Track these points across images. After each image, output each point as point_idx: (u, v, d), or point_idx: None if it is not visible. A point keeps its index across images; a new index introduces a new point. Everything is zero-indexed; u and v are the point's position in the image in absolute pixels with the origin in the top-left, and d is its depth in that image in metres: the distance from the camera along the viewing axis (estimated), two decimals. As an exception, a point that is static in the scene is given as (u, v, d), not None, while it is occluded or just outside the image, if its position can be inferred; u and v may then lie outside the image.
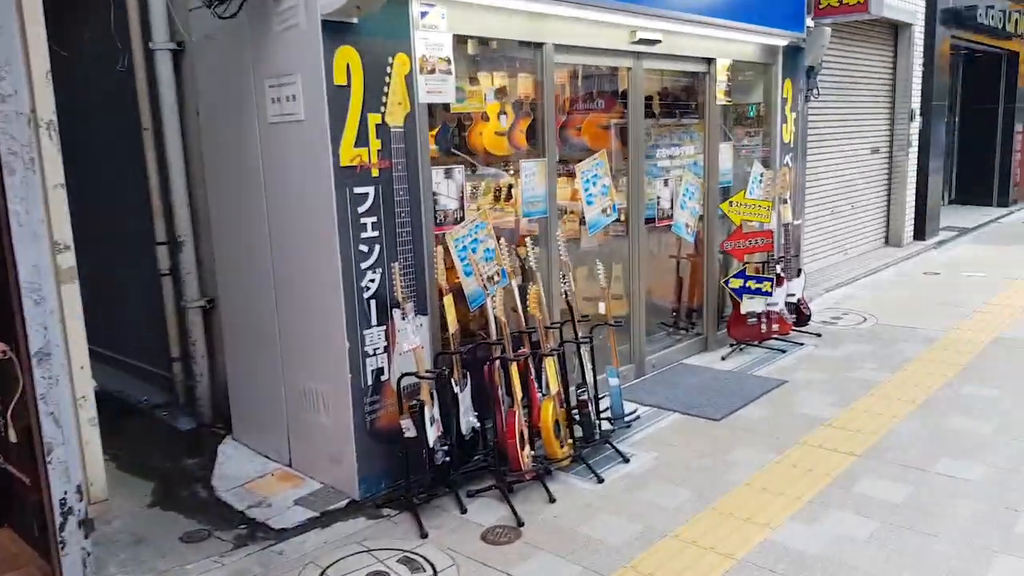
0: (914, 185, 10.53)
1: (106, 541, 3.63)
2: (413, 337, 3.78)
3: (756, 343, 6.36)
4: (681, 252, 6.55)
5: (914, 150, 10.36)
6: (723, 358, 6.18)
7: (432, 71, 4.06)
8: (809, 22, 6.81)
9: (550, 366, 4.09)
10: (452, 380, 3.97)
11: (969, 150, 14.99)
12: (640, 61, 5.41)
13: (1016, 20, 12.48)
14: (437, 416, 3.89)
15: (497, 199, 6.26)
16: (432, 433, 3.79)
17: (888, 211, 10.47)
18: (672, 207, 5.95)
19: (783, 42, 6.56)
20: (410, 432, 3.75)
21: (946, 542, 3.42)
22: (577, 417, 4.31)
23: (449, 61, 4.12)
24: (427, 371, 3.86)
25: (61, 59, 5.66)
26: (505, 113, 6.56)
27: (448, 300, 3.94)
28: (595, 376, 4.50)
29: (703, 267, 6.41)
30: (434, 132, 5.93)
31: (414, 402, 3.79)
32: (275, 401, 4.32)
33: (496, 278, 4.38)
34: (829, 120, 8.82)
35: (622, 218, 5.56)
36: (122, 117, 5.00)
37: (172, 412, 5.09)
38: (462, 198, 4.34)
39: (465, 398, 4.04)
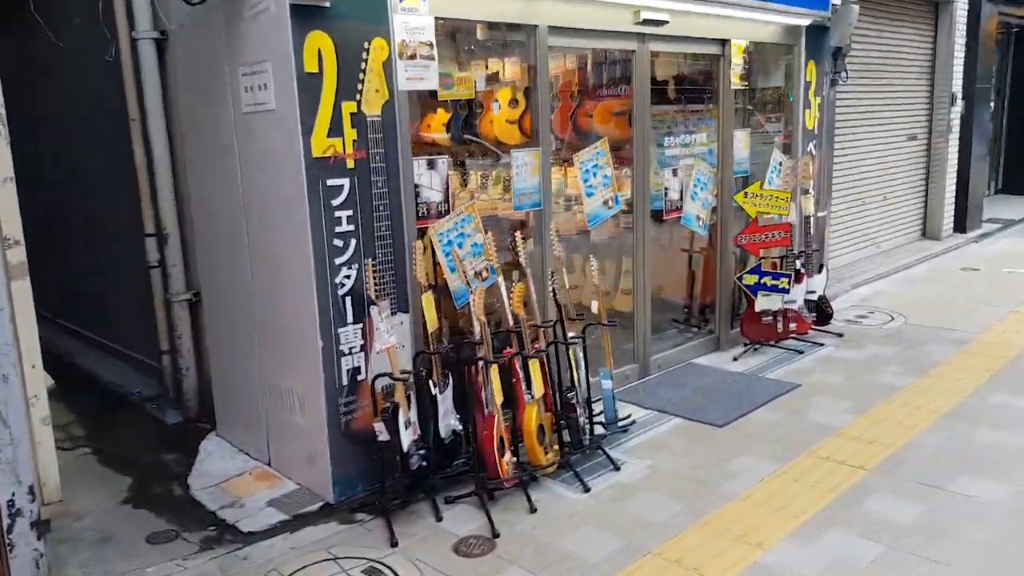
0: (955, 174, 10.01)
1: (72, 539, 3.55)
2: (387, 336, 3.60)
3: (772, 343, 6.06)
4: (694, 246, 6.27)
5: (955, 136, 9.83)
6: (735, 359, 5.90)
7: (413, 56, 3.86)
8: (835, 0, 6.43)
9: (535, 368, 3.88)
10: (430, 381, 3.79)
11: (1019, 136, 14.27)
12: (645, 44, 5.14)
13: (1073, -3, 11.75)
14: (414, 419, 3.72)
15: (507, 189, 6.07)
16: (407, 437, 3.62)
17: (926, 202, 9.97)
18: (682, 198, 5.67)
19: (805, 21, 6.20)
20: (382, 436, 3.59)
21: (956, 572, 3.14)
22: (564, 422, 4.10)
23: (431, 46, 3.91)
24: (402, 372, 3.69)
25: (55, 49, 5.65)
26: (516, 101, 6.36)
27: (427, 297, 3.76)
28: (588, 378, 4.28)
29: (716, 262, 6.12)
30: (445, 120, 5.87)
31: (387, 404, 3.62)
32: (255, 398, 4.20)
33: (485, 274, 4.19)
34: (861, 105, 8.39)
35: (626, 210, 5.31)
36: (112, 107, 4.90)
37: (161, 406, 5.02)
38: (447, 190, 4.14)
39: (445, 400, 3.86)
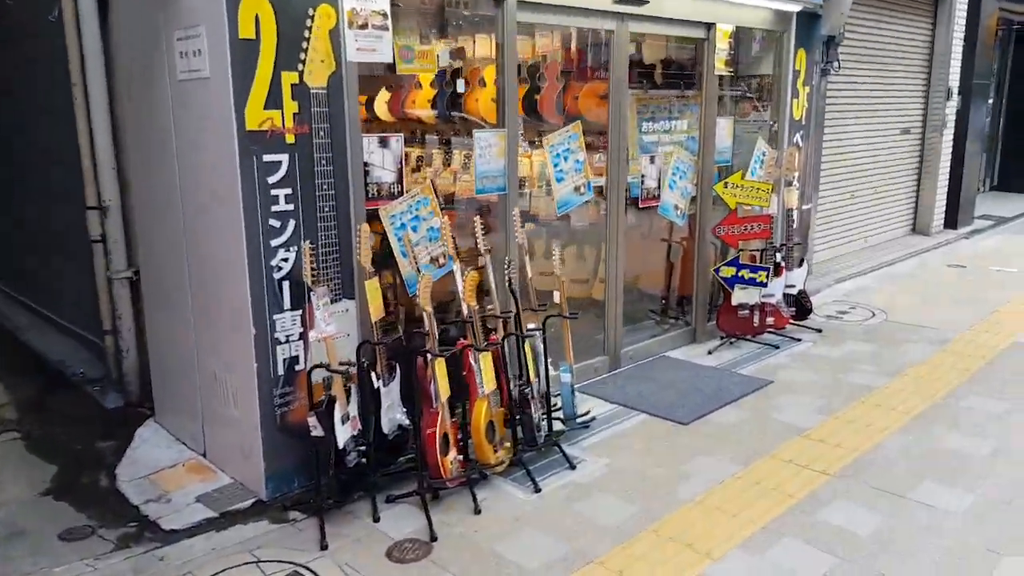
0: (947, 170, 9.78)
1: (-19, 533, 3.34)
2: (325, 325, 3.38)
3: (748, 337, 5.85)
4: (673, 236, 6.05)
5: (950, 132, 9.60)
6: (709, 352, 5.70)
7: (364, 26, 3.61)
8: (827, -14, 6.18)
9: (486, 362, 3.66)
10: (373, 373, 3.58)
11: (1016, 134, 14.04)
12: (624, 23, 4.88)
13: (1076, -7, 11.48)
14: (354, 413, 3.50)
15: None
16: (343, 432, 3.41)
17: (917, 197, 9.75)
18: (660, 186, 5.44)
19: (795, 7, 5.94)
20: (316, 431, 3.37)
21: (912, 590, 2.95)
22: (518, 418, 3.89)
23: (385, 15, 3.67)
24: (342, 363, 3.47)
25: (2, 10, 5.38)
26: None
27: (371, 284, 3.53)
28: (547, 373, 4.07)
29: (695, 252, 5.90)
30: (431, 96, 5.63)
31: (322, 398, 3.41)
32: (192, 385, 3.97)
33: (442, 260, 3.97)
34: (854, 96, 8.14)
35: (598, 197, 5.08)
36: (56, 70, 4.64)
37: (104, 388, 4.79)
38: (400, 170, 3.90)
39: (390, 393, 3.65)
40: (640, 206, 5.39)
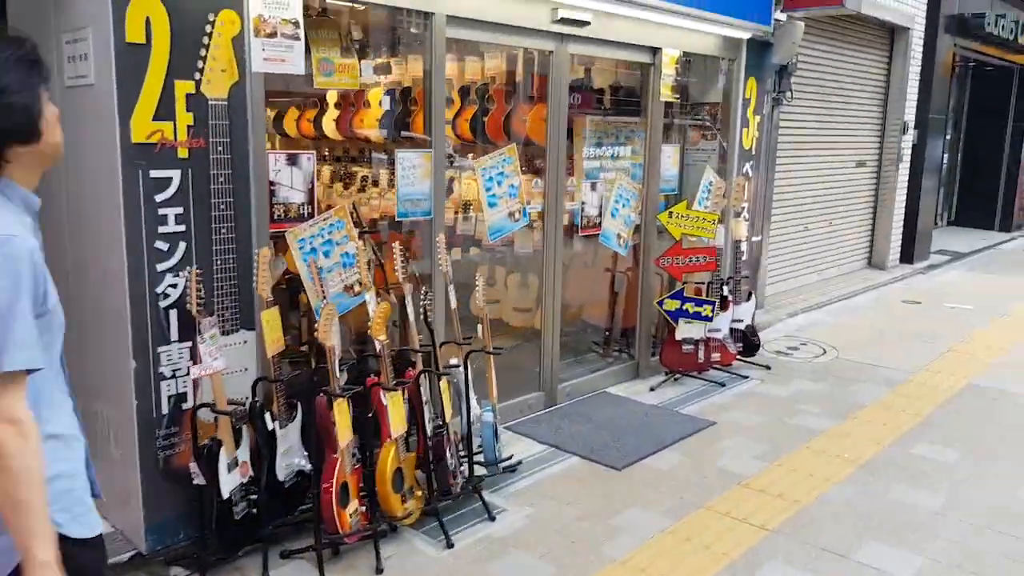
0: (903, 203, 9.73)
1: None
2: (211, 360, 3.05)
3: (694, 374, 5.62)
4: (618, 265, 5.82)
5: (905, 166, 9.56)
6: (652, 389, 5.45)
7: (272, 34, 3.33)
8: (779, 15, 6.04)
9: (393, 403, 3.35)
10: (268, 413, 3.25)
11: (973, 169, 14.16)
12: (564, 45, 4.66)
13: (1030, 33, 11.62)
14: (244, 458, 3.18)
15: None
16: (230, 480, 3.08)
17: (873, 230, 9.68)
18: (601, 214, 5.20)
19: (745, 35, 5.79)
20: (198, 479, 3.04)
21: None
22: (432, 464, 3.59)
23: (297, 24, 3.39)
24: (231, 403, 3.14)
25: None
26: (451, 99, 5.89)
27: (268, 314, 3.22)
28: (468, 413, 3.78)
29: (639, 283, 5.66)
30: (380, 115, 5.39)
31: (205, 442, 3.08)
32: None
33: (357, 288, 3.67)
34: (809, 127, 8.04)
35: (536, 224, 4.83)
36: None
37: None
38: (312, 190, 3.61)
39: (287, 436, 3.32)
40: (580, 234, 5.14)
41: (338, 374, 3.20)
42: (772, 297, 7.60)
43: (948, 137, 13.46)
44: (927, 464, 4.29)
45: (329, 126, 5.67)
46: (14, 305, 1.47)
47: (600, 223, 5.19)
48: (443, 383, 3.54)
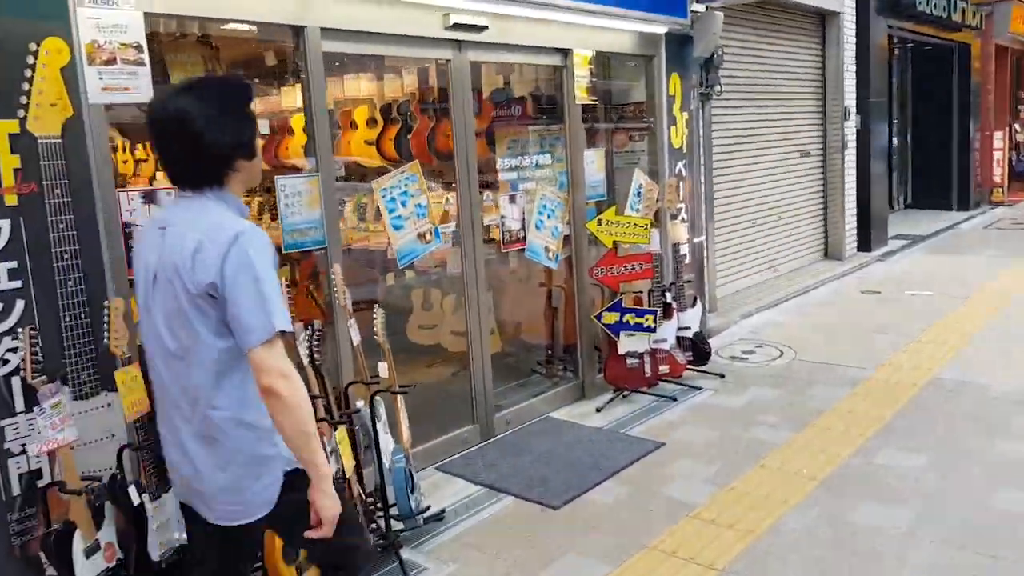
0: (854, 190, 9.52)
1: None
2: (53, 432, 2.65)
3: (643, 389, 5.28)
4: (553, 280, 5.48)
5: (851, 152, 9.36)
6: (598, 409, 5.09)
7: (110, 61, 2.97)
8: (697, 6, 5.78)
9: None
10: (135, 486, 2.85)
11: (925, 150, 14.06)
12: (463, 52, 4.35)
13: (963, 10, 11.55)
14: (110, 539, 2.77)
15: (363, 219, 5.23)
16: (90, 567, 2.67)
17: (825, 220, 9.45)
18: (524, 227, 4.87)
19: (661, 30, 5.52)
20: (49, 568, 2.63)
21: None
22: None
23: (139, 48, 3.04)
24: (85, 478, 2.74)
25: None
26: (375, 120, 5.59)
27: (124, 374, 2.82)
28: (379, 461, 3.41)
29: (575, 297, 5.33)
30: (302, 142, 5.07)
31: (54, 527, 2.67)
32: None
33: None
34: (744, 120, 7.80)
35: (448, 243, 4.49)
36: None
37: None
38: (176, 231, 3.23)
39: (164, 508, 2.92)
40: (503, 249, 4.81)
41: (206, 436, 2.80)
42: (724, 299, 7.31)
43: (896, 120, 13.38)
44: (892, 475, 3.95)
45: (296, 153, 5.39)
46: (274, 278, 1.88)
47: (524, 237, 4.86)
48: (339, 433, 3.16)
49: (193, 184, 1.96)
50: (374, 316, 3.49)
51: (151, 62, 3.22)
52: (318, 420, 3.26)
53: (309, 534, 1.98)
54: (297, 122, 5.36)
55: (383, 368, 3.49)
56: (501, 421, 4.78)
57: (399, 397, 3.55)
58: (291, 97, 5.40)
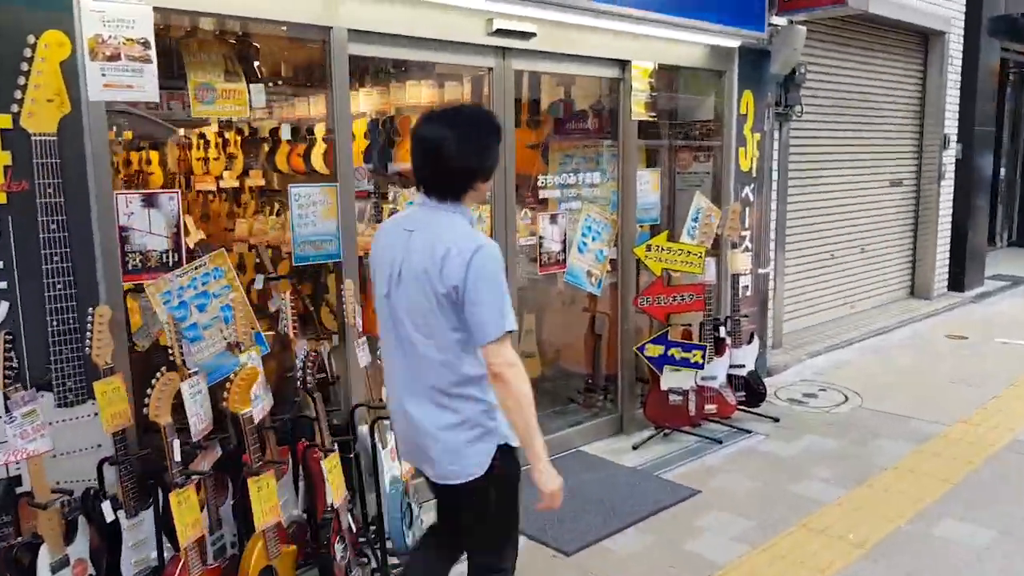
0: (949, 224, 8.80)
1: None
2: (23, 442, 2.54)
3: (686, 429, 4.90)
4: (598, 305, 5.17)
5: (948, 183, 8.64)
6: (635, 447, 4.75)
7: (114, 57, 2.87)
8: (777, 19, 5.37)
9: (258, 489, 2.78)
10: (109, 502, 2.72)
11: (1036, 185, 12.98)
12: (507, 60, 4.11)
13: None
14: (81, 555, 2.65)
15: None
16: (52, 587, 2.55)
17: (914, 255, 8.76)
18: (566, 250, 4.59)
19: (734, 43, 5.14)
20: (9, 586, 2.52)
21: None
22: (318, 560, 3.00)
23: (146, 44, 2.92)
24: (56, 491, 2.63)
25: None
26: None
27: (105, 385, 2.70)
28: (377, 491, 3.20)
29: (618, 325, 5.00)
30: (364, 148, 4.99)
31: (18, 540, 2.56)
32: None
33: (243, 346, 3.14)
34: (829, 144, 7.26)
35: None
36: None
37: None
38: (178, 234, 3.11)
39: (139, 527, 2.78)
40: (540, 272, 4.53)
41: (176, 457, 2.64)
42: (792, 335, 6.81)
43: (1005, 149, 12.39)
44: (952, 549, 3.49)
45: (317, 161, 5.34)
46: (505, 286, 2.18)
47: (564, 259, 4.57)
48: (328, 460, 2.96)
49: (438, 196, 2.27)
50: (357, 344, 3.28)
51: (167, 60, 3.13)
52: (309, 445, 3.09)
53: (539, 507, 2.32)
54: (359, 128, 5.27)
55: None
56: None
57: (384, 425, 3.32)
58: (354, 102, 5.34)
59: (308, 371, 2.95)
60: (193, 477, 2.72)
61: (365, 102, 5.28)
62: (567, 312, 5.28)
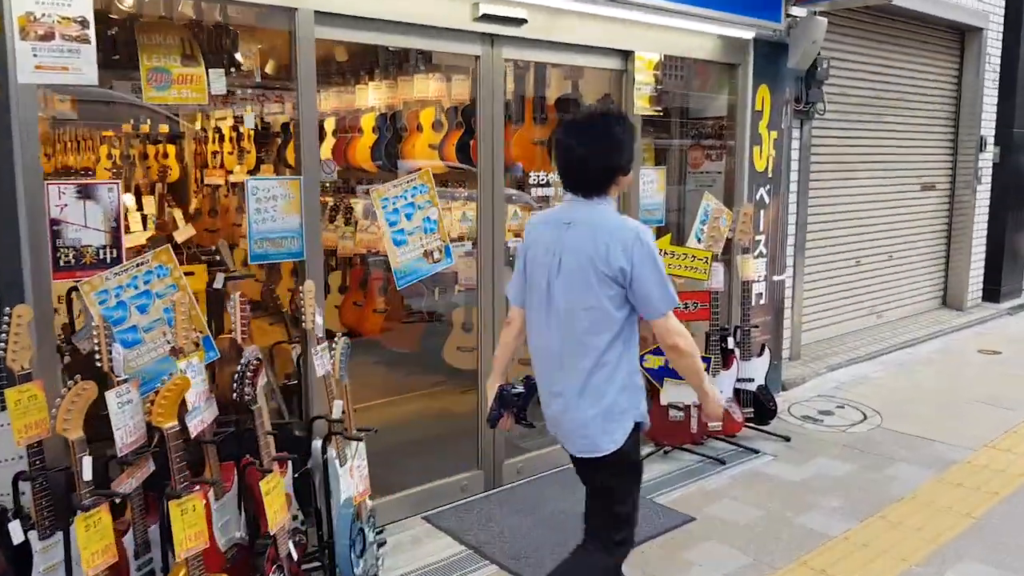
0: (985, 231, 8.31)
1: None
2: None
3: (688, 447, 4.57)
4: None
5: (985, 188, 8.16)
6: (630, 466, 4.42)
7: (47, 36, 2.63)
8: (796, 9, 5.00)
9: (181, 513, 2.51)
10: (19, 520, 2.48)
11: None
12: (495, 48, 3.82)
13: None
14: (-14, 581, 2.42)
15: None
16: (-52, 616, 2.32)
17: (947, 264, 8.29)
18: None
19: (748, 34, 4.78)
20: None
21: None
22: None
23: (84, 23, 2.68)
24: (-42, 511, 2.40)
25: None
26: (441, 123, 5.25)
27: (20, 392, 2.46)
28: (328, 516, 2.93)
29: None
30: (371, 143, 4.91)
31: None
32: None
33: (185, 352, 2.89)
34: (855, 145, 6.85)
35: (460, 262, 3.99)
36: None
37: None
38: (117, 228, 2.86)
39: (50, 552, 2.54)
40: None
41: (87, 475, 2.39)
42: (811, 346, 6.43)
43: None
44: (969, 593, 3.13)
45: (326, 155, 5.18)
46: (663, 266, 2.43)
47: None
48: (264, 482, 2.69)
49: (585, 193, 2.49)
50: (333, 347, 3.01)
51: (119, 43, 2.89)
52: (250, 463, 2.83)
53: (704, 418, 2.86)
54: (368, 124, 5.07)
55: (338, 407, 3.00)
56: (511, 469, 4.21)
57: (356, 443, 3.04)
58: (363, 95, 5.17)
59: (246, 380, 2.68)
60: (109, 498, 2.46)
61: (374, 95, 5.11)
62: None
